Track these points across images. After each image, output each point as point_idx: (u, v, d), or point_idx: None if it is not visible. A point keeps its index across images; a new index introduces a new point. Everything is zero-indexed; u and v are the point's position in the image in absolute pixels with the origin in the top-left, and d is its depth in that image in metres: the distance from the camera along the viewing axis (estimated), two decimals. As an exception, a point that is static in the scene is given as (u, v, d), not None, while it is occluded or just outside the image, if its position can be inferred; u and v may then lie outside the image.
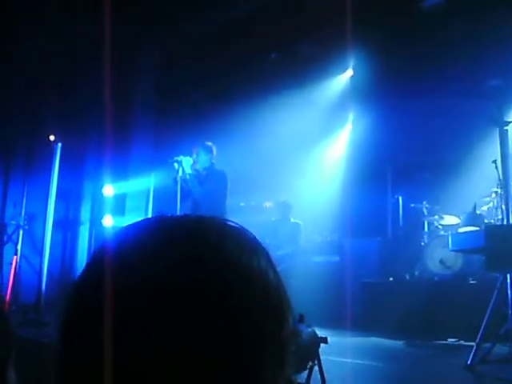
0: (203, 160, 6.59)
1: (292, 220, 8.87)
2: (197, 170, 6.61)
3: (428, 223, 8.26)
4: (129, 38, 7.99)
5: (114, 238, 0.65)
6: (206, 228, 0.65)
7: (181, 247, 0.61)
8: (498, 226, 6.10)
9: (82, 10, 7.50)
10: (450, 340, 6.50)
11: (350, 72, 9.66)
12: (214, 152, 6.65)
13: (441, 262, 7.39)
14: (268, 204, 9.86)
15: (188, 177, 6.42)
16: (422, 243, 7.93)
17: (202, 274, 0.59)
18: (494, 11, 7.53)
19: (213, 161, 6.65)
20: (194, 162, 6.52)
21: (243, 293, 0.61)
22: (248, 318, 0.60)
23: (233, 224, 0.70)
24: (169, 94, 9.38)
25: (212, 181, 6.52)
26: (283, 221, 8.88)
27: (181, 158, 6.36)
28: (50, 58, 7.78)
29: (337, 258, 8.69)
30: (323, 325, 7.06)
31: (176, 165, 6.27)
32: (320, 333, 6.01)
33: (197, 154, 6.56)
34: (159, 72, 9.52)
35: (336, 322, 7.31)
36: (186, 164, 6.41)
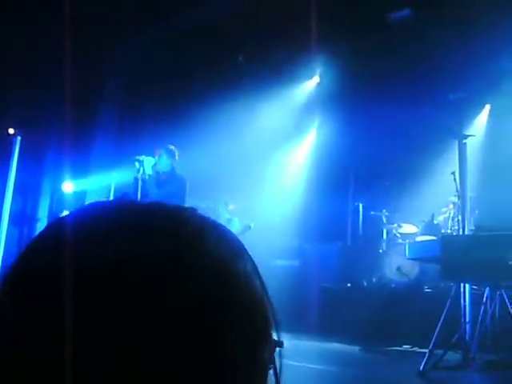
0: (165, 163, 6.54)
1: (226, 216, 8.74)
2: (157, 172, 6.57)
3: (387, 231, 8.39)
4: (95, 35, 7.88)
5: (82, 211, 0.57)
6: (184, 220, 0.57)
7: (151, 238, 0.53)
8: (453, 236, 6.24)
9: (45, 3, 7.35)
10: (404, 346, 6.60)
11: (316, 79, 9.72)
12: (177, 156, 6.62)
13: (398, 269, 7.52)
14: (231, 206, 9.84)
15: (147, 177, 6.36)
16: (381, 250, 8.06)
17: (174, 282, 0.51)
18: (459, 26, 7.71)
19: (174, 165, 6.62)
20: (155, 164, 6.47)
21: (225, 302, 0.53)
22: (227, 335, 0.52)
23: (215, 221, 0.60)
24: (134, 92, 9.30)
25: (171, 185, 6.50)
26: (216, 218, 8.74)
27: (143, 157, 6.29)
28: (11, 49, 7.60)
29: (297, 263, 8.74)
30: (282, 328, 7.08)
31: (137, 164, 6.20)
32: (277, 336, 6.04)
33: (159, 156, 6.51)
34: (125, 69, 9.42)
35: (294, 326, 7.32)
36: (147, 164, 6.34)
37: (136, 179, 6.19)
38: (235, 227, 8.66)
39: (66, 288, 0.49)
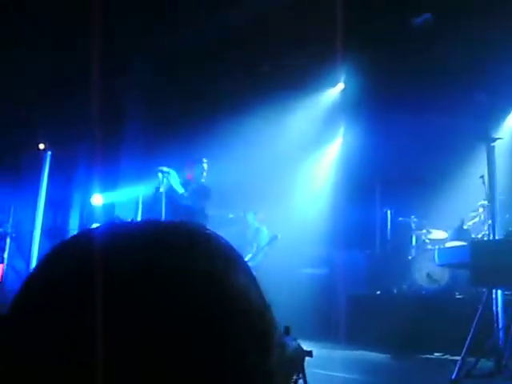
0: (197, 175, 6.72)
1: (256, 225, 8.78)
2: (187, 183, 6.74)
3: (416, 237, 8.30)
4: (120, 50, 8.00)
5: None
6: (174, 233, 0.58)
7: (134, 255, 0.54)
8: (483, 241, 6.15)
9: (71, 20, 7.51)
10: (436, 354, 6.52)
11: (341, 85, 9.72)
12: (206, 168, 6.79)
13: (428, 275, 7.43)
14: (261, 216, 9.85)
15: (168, 189, 6.50)
16: (410, 257, 7.97)
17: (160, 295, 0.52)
18: (481, 26, 7.64)
19: (204, 175, 6.79)
20: (188, 175, 6.62)
21: (219, 318, 0.53)
22: (226, 348, 0.52)
23: (209, 231, 0.61)
24: (160, 104, 9.39)
25: (198, 193, 6.66)
26: (246, 228, 8.78)
27: (166, 168, 6.41)
28: (40, 66, 7.77)
29: (325, 271, 8.70)
30: (310, 337, 7.05)
31: (160, 175, 6.32)
32: (306, 346, 6.03)
33: (190, 168, 6.68)
34: (151, 82, 9.53)
35: (323, 335, 7.31)
36: (172, 177, 6.47)
37: (157, 189, 6.32)
38: (263, 236, 8.70)
39: (97, 292, 0.51)
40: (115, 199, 9.02)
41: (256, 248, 8.49)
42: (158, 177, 6.49)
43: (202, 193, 6.70)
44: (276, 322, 0.58)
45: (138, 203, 7.82)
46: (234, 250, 0.61)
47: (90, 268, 0.52)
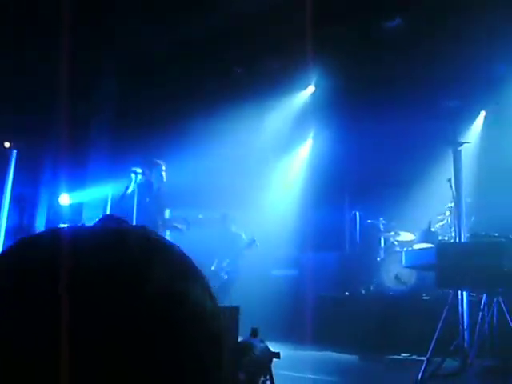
0: (155, 177, 6.79)
1: (233, 230, 8.87)
2: (149, 185, 6.79)
3: (384, 239, 8.39)
4: (88, 50, 7.90)
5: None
6: (129, 243, 0.57)
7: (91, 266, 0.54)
8: (449, 243, 6.24)
9: (40, 21, 7.39)
10: (403, 354, 6.60)
11: (311, 88, 9.77)
12: (164, 169, 6.87)
13: (396, 277, 7.51)
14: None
15: (137, 189, 6.51)
16: (378, 259, 8.05)
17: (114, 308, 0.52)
18: (451, 33, 7.76)
19: (164, 178, 6.85)
20: (145, 175, 6.64)
21: (177, 320, 0.53)
22: (184, 350, 0.53)
23: (163, 240, 0.61)
24: (129, 103, 9.31)
25: (158, 201, 6.74)
26: (223, 232, 8.87)
27: (139, 169, 6.41)
28: (6, 63, 7.63)
29: (295, 272, 8.73)
30: (279, 339, 7.08)
31: (133, 175, 6.30)
32: (276, 347, 6.02)
33: (149, 169, 6.71)
34: (121, 81, 9.44)
35: (292, 336, 7.35)
36: (141, 176, 6.50)
37: (127, 188, 6.35)
38: (242, 241, 8.74)
39: (64, 288, 0.52)
40: (83, 199, 8.91)
41: (235, 253, 8.54)
42: (130, 177, 6.50)
43: (162, 198, 6.81)
44: (225, 333, 0.59)
45: (106, 203, 7.74)
46: (191, 260, 0.62)
47: (57, 264, 0.53)
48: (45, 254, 0.55)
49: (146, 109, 9.46)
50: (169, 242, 0.62)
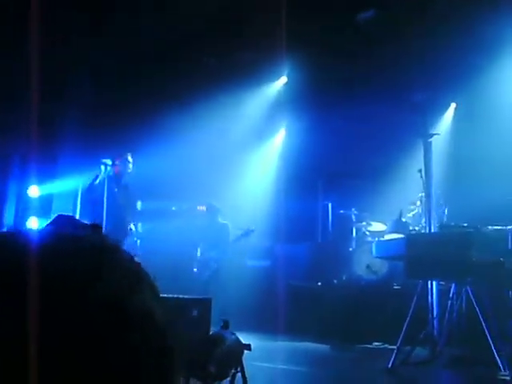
0: (124, 169, 6.76)
1: (220, 221, 8.92)
2: (117, 177, 6.77)
3: (356, 229, 8.45)
4: (58, 45, 7.77)
5: None
6: (81, 250, 0.56)
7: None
8: (418, 234, 6.33)
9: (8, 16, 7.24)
10: (375, 344, 6.69)
11: (284, 79, 9.76)
12: (131, 161, 6.87)
13: (367, 267, 7.58)
14: (201, 208, 9.85)
15: (106, 180, 6.50)
16: (350, 249, 8.11)
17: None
18: (423, 26, 7.82)
19: (128, 171, 6.86)
20: (116, 169, 6.61)
21: (120, 341, 0.52)
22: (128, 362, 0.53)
23: (115, 247, 0.59)
24: (102, 94, 9.18)
25: (127, 192, 6.75)
26: (211, 223, 8.92)
27: (109, 161, 6.35)
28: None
29: (268, 263, 8.76)
30: (252, 330, 7.11)
31: (103, 167, 6.25)
32: (249, 337, 6.05)
33: (119, 162, 6.68)
34: (93, 73, 9.30)
35: (266, 326, 7.38)
36: (111, 168, 6.49)
37: (96, 179, 6.32)
38: (228, 232, 8.78)
39: (27, 294, 0.51)
40: (53, 191, 8.78)
41: (223, 244, 8.60)
42: (100, 169, 6.45)
43: (131, 189, 6.84)
44: (179, 346, 0.59)
45: (76, 195, 7.66)
46: (141, 266, 0.61)
47: (18, 268, 0.52)
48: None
49: (118, 100, 9.35)
50: (121, 248, 0.61)
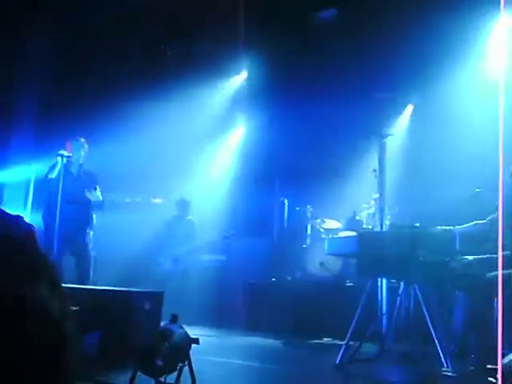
0: (77, 156, 6.61)
1: (188, 217, 8.90)
2: (71, 165, 6.61)
3: (311, 226, 8.53)
4: (11, 27, 7.58)
5: None
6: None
7: None
8: (369, 232, 6.44)
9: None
10: (325, 339, 6.78)
11: (244, 74, 9.76)
12: (86, 148, 6.71)
13: (321, 264, 7.66)
14: (157, 200, 9.78)
15: (63, 171, 6.32)
16: (304, 246, 8.18)
17: None
18: (384, 26, 7.93)
19: (84, 158, 6.71)
20: (69, 157, 6.45)
21: (16, 333, 0.53)
22: (19, 354, 0.52)
23: (19, 240, 0.60)
24: (55, 83, 9.00)
25: (86, 179, 6.60)
26: (180, 218, 8.88)
27: (66, 152, 6.24)
28: None
29: (223, 258, 8.76)
30: (206, 324, 7.13)
31: (59, 159, 6.12)
32: (202, 332, 6.06)
33: (73, 149, 6.53)
34: (45, 61, 9.10)
35: (219, 322, 7.40)
36: (67, 159, 6.32)
37: (52, 170, 6.16)
38: (194, 228, 8.76)
39: None
40: (4, 179, 8.59)
41: (191, 240, 8.58)
42: (56, 160, 6.31)
43: (88, 179, 6.67)
44: (76, 336, 0.59)
45: (29, 184, 7.50)
46: (44, 260, 0.60)
47: None
48: None
49: (74, 90, 9.18)
50: (24, 242, 0.59)
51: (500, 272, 3.90)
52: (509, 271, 3.98)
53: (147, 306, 4.77)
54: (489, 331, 4.71)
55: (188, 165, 9.42)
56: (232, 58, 8.98)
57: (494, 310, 4.79)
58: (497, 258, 5.28)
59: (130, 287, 4.79)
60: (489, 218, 5.10)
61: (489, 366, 2.80)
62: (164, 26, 8.22)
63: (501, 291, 3.87)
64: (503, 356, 2.84)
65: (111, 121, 8.10)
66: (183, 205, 8.94)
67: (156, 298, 4.94)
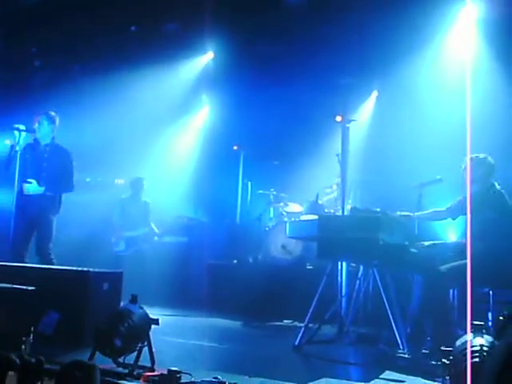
0: (45, 131, 6.29)
1: (143, 199, 8.82)
2: (37, 142, 6.32)
3: (273, 209, 8.58)
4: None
5: None
6: None
7: None
8: (329, 216, 6.51)
9: None
10: (285, 321, 6.85)
11: (210, 54, 9.67)
12: (57, 123, 6.36)
13: (282, 246, 7.71)
14: (120, 181, 9.66)
15: (23, 148, 6.06)
16: (267, 228, 8.22)
17: None
18: (350, 12, 7.95)
19: (54, 133, 6.37)
20: (35, 132, 6.19)
21: None
22: None
23: None
24: (16, 58, 8.75)
25: (56, 158, 6.29)
26: (134, 198, 8.79)
27: (22, 126, 5.95)
28: None
29: (185, 239, 8.73)
30: (167, 305, 7.12)
31: (16, 133, 5.86)
32: (163, 313, 6.05)
33: (39, 124, 6.23)
34: (7, 35, 8.83)
35: (180, 303, 7.40)
36: (25, 134, 6.02)
37: (13, 147, 5.87)
38: (149, 210, 8.67)
39: None
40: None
41: (145, 221, 8.51)
42: (14, 135, 6.01)
43: (60, 156, 6.34)
44: None
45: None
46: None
47: None
48: None
49: (36, 64, 8.97)
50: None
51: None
52: (464, 261, 4.07)
53: (106, 286, 4.74)
54: (444, 314, 4.84)
55: (151, 146, 9.32)
56: (198, 38, 8.87)
57: (449, 294, 4.93)
58: (450, 243, 5.43)
59: (83, 267, 4.72)
60: (447, 206, 5.21)
61: (442, 348, 2.87)
62: (131, 3, 8.05)
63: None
64: (457, 338, 2.92)
65: (74, 98, 7.94)
66: (136, 184, 8.80)
67: (115, 278, 4.90)
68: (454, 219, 5.34)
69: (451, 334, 4.32)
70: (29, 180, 6.10)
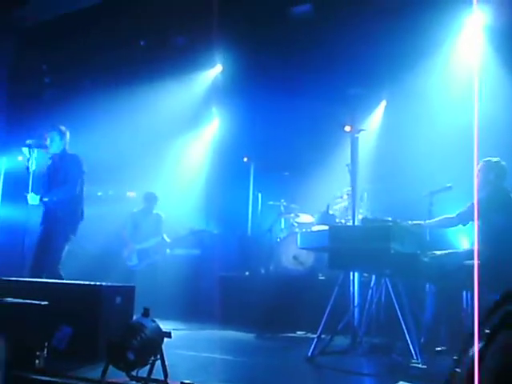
0: (56, 145, 6.33)
1: (154, 211, 8.87)
2: (51, 157, 6.37)
3: (284, 220, 8.58)
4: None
5: None
6: None
7: None
8: (341, 226, 6.50)
9: None
10: (298, 333, 6.82)
11: (219, 67, 9.73)
12: (68, 137, 6.40)
13: (294, 257, 7.70)
14: (131, 194, 9.73)
15: (35, 166, 6.07)
16: (278, 239, 8.21)
17: None
18: (358, 22, 7.97)
19: (66, 147, 6.40)
20: (47, 148, 6.24)
21: None
22: None
23: None
24: (25, 75, 8.85)
25: (64, 164, 6.29)
26: (146, 212, 8.84)
27: (32, 141, 6.00)
28: None
29: (197, 252, 8.75)
30: (180, 318, 7.12)
31: (26, 150, 5.91)
32: (175, 326, 6.06)
33: (51, 140, 6.28)
34: (17, 50, 8.95)
35: (193, 315, 7.40)
36: (37, 150, 6.06)
37: (27, 168, 5.89)
38: (162, 222, 8.71)
39: None
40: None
41: (157, 234, 8.55)
42: (23, 152, 6.04)
43: (69, 164, 6.33)
44: None
45: None
46: None
47: None
48: None
49: (48, 80, 9.06)
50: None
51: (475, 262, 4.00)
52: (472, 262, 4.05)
53: (118, 300, 4.75)
54: (458, 323, 4.81)
55: (163, 159, 9.37)
56: (207, 51, 8.94)
57: (462, 302, 4.90)
58: (462, 252, 5.40)
59: (95, 281, 4.75)
60: (457, 212, 5.19)
61: (455, 358, 2.85)
62: (139, 18, 8.14)
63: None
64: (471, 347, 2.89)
65: (85, 113, 8.01)
66: (150, 199, 8.87)
67: (127, 292, 4.92)
68: (464, 225, 5.32)
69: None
70: (29, 192, 6.09)
